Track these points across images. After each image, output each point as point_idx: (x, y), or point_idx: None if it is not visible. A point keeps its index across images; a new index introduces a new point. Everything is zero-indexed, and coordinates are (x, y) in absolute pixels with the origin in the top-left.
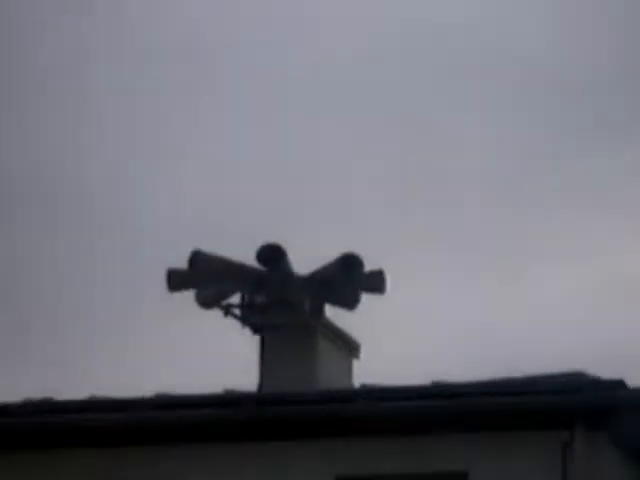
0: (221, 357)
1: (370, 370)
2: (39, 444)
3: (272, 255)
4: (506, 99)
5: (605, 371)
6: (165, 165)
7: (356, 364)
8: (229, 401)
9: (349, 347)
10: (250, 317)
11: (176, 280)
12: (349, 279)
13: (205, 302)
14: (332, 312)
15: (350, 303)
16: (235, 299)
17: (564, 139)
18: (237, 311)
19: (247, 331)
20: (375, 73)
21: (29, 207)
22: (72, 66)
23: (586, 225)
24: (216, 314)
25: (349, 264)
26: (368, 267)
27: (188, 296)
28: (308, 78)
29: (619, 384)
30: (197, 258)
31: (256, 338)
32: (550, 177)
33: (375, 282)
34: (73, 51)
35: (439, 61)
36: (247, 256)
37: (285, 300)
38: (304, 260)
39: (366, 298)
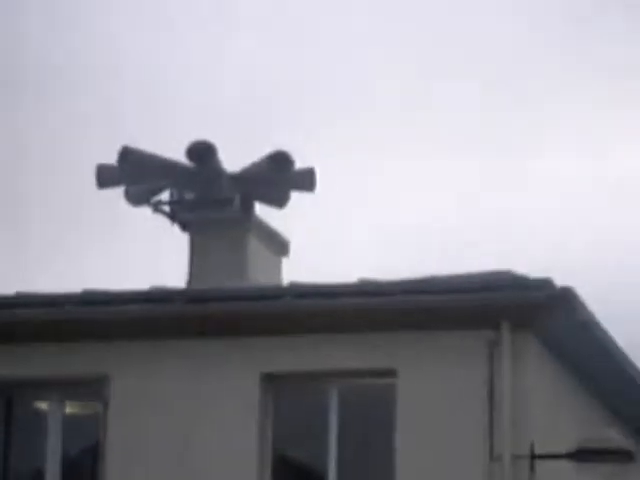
0: (150, 254)
1: (300, 268)
2: None
3: (202, 152)
4: None
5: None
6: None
7: (285, 262)
8: (157, 298)
9: (278, 245)
10: (179, 214)
11: (106, 176)
12: (279, 177)
13: (134, 199)
14: (262, 210)
15: (280, 201)
16: (165, 196)
17: None
18: (166, 208)
19: (176, 228)
20: None
21: None
22: None
23: None
24: (145, 211)
25: (279, 162)
26: (299, 165)
27: (118, 192)
28: None
29: (546, 283)
30: (127, 154)
31: (185, 235)
32: None
33: (305, 180)
34: None
35: None
36: (178, 153)
37: (215, 197)
38: (234, 157)
39: (296, 196)
